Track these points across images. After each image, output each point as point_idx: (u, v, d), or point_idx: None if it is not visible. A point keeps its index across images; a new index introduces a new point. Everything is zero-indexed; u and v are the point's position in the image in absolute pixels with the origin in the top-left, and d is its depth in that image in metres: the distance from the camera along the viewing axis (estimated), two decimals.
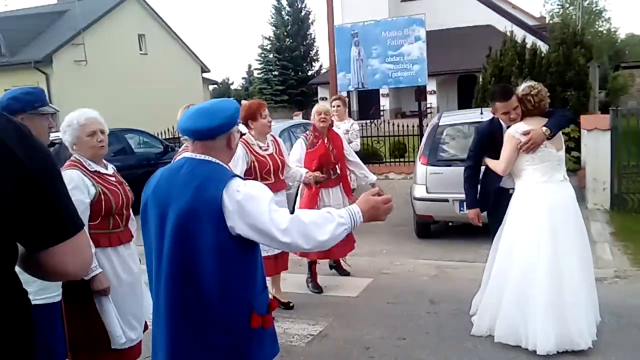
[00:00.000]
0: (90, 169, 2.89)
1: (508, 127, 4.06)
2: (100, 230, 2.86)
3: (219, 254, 1.97)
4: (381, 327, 4.40)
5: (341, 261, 5.78)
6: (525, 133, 3.83)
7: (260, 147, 4.33)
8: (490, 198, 4.23)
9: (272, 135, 4.60)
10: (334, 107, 7.06)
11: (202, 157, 2.08)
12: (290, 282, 5.38)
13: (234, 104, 2.16)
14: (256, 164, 4.26)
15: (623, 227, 6.81)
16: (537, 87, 3.96)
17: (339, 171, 5.22)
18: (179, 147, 10.66)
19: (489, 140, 4.18)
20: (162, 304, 2.07)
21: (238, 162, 4.07)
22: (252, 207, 1.94)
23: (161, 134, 13.95)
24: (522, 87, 4.02)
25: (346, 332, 4.35)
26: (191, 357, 2.04)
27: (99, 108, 3.05)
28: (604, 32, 37.88)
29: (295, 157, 4.95)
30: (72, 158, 2.91)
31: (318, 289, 5.28)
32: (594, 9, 37.51)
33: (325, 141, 5.03)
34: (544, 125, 3.83)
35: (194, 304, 2.01)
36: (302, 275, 5.43)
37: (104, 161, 3.05)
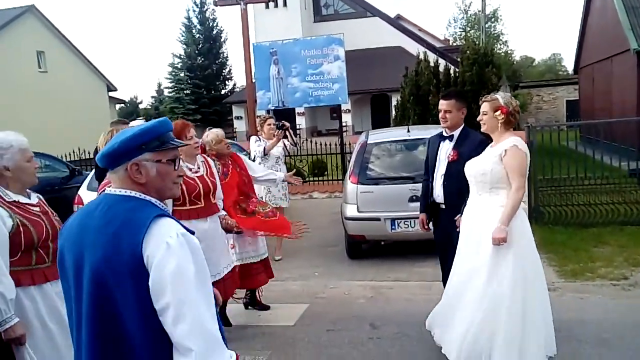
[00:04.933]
0: (7, 199, 2.55)
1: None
2: (22, 266, 2.51)
3: (147, 319, 1.58)
4: (324, 358, 4.15)
5: (257, 294, 5.22)
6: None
7: (190, 170, 3.96)
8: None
9: (204, 156, 4.25)
10: (270, 125, 6.89)
11: (122, 192, 1.70)
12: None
13: (137, 126, 1.76)
14: (184, 187, 3.86)
15: (543, 240, 7.01)
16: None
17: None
18: (88, 171, 9.86)
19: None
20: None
21: None
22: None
23: (66, 156, 12.95)
24: (504, 98, 3.54)
25: None
26: None
27: None
28: (502, 54, 40.45)
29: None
30: None
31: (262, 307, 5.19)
32: (493, 33, 40.04)
33: (237, 168, 4.79)
34: None
35: None
36: (235, 305, 5.07)
37: (27, 190, 2.70)
